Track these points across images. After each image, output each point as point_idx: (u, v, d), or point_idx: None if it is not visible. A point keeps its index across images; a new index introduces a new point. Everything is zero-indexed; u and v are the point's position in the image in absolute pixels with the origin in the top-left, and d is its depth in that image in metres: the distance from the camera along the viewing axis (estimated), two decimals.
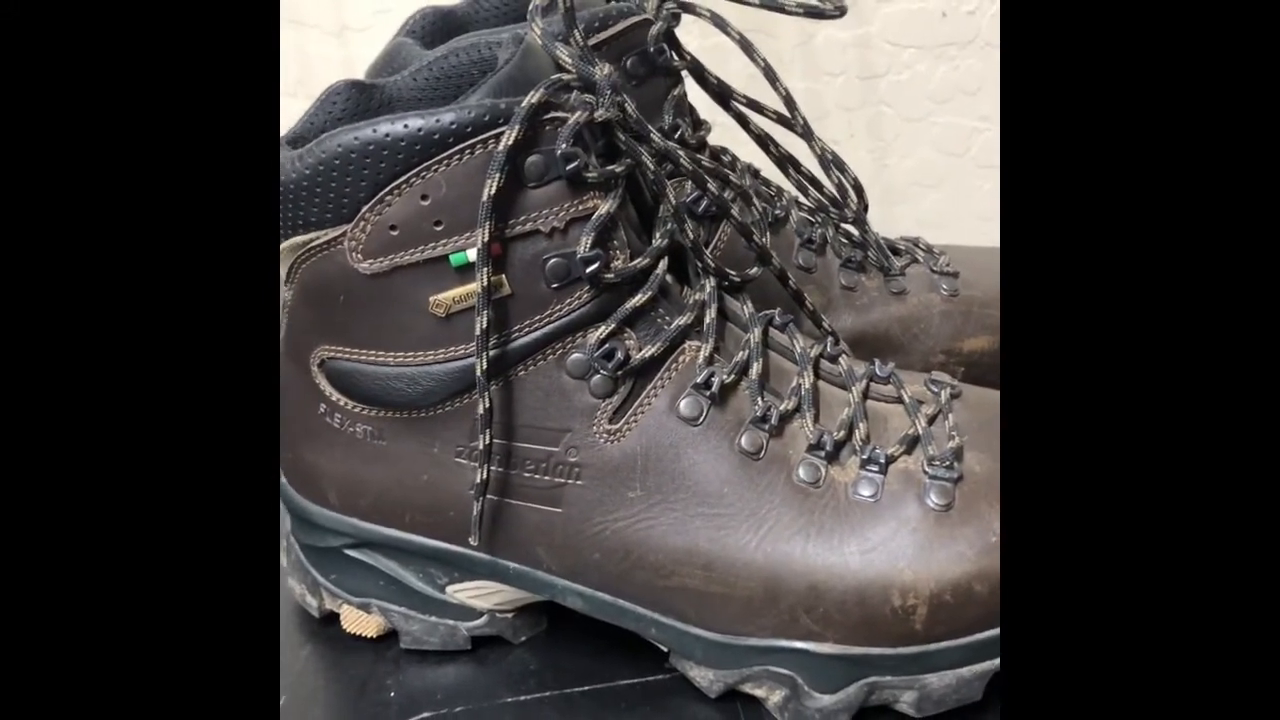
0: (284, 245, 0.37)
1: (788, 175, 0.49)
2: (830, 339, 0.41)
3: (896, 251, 0.49)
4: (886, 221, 0.51)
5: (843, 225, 0.49)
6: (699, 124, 0.47)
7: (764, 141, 0.48)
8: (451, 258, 0.35)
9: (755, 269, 0.41)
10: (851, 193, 0.46)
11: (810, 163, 0.49)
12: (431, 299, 0.36)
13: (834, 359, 0.41)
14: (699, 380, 0.38)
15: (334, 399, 0.39)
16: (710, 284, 0.39)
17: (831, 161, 0.45)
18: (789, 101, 0.46)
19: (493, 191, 0.33)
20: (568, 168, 0.34)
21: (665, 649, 0.40)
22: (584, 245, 0.35)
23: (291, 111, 0.40)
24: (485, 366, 0.35)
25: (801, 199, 0.50)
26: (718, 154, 0.47)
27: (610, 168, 0.36)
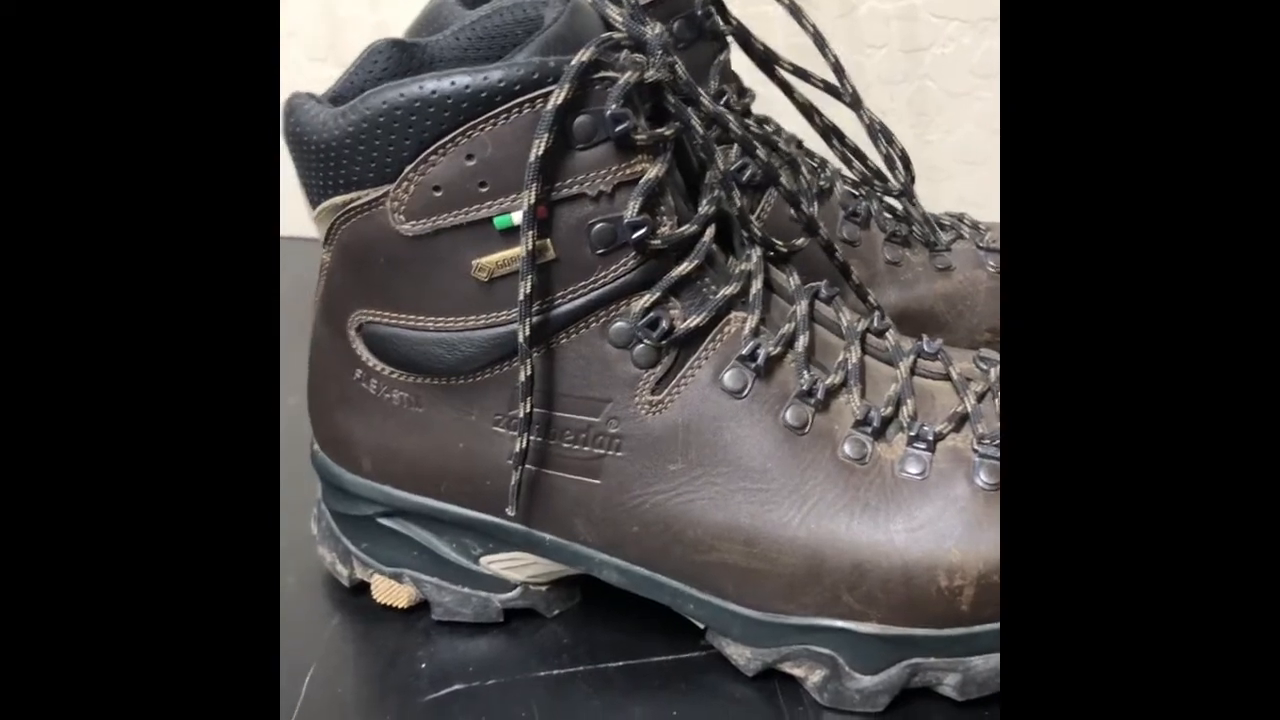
0: (323, 205, 0.36)
1: (832, 146, 0.48)
2: (877, 313, 0.40)
3: (942, 227, 0.48)
4: (928, 198, 0.50)
5: (887, 199, 0.48)
6: (743, 92, 0.46)
7: (809, 111, 0.47)
8: (496, 220, 0.34)
9: (802, 239, 0.40)
10: (899, 164, 0.45)
11: (854, 134, 0.48)
12: (474, 262, 0.35)
13: (881, 334, 0.40)
14: (744, 352, 0.37)
15: (371, 364, 0.38)
16: (756, 254, 0.38)
17: (880, 132, 0.44)
18: (838, 69, 0.45)
19: (540, 152, 0.33)
20: (617, 129, 0.33)
21: (702, 625, 0.39)
22: (631, 210, 0.34)
23: (321, 77, 0.39)
24: (528, 333, 0.35)
25: (845, 171, 0.49)
26: (762, 123, 0.46)
27: (659, 130, 0.35)
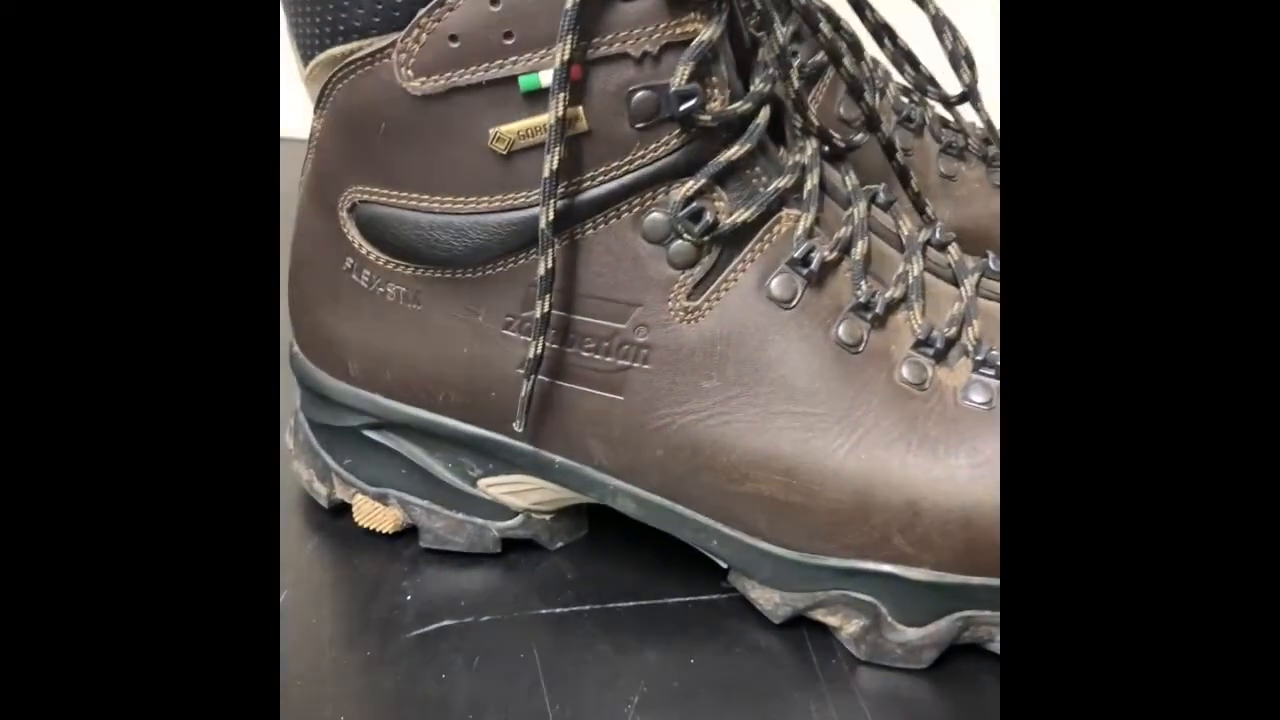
0: (318, 59, 0.31)
1: (883, 47, 0.43)
2: (938, 225, 0.36)
3: None
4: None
5: (940, 108, 0.44)
6: None
7: (860, 6, 0.42)
8: (521, 80, 0.29)
9: (861, 135, 0.35)
10: (964, 65, 0.40)
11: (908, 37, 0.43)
12: (492, 131, 0.30)
13: (942, 247, 0.36)
14: (796, 255, 0.32)
15: (364, 252, 0.34)
16: (812, 146, 0.33)
17: (946, 26, 0.39)
18: None
19: None
20: None
21: (724, 565, 0.35)
22: (679, 77, 0.29)
23: None
24: (551, 218, 0.30)
25: (897, 76, 0.44)
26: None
27: None
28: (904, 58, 0.43)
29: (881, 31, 0.43)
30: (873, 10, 0.43)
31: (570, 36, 0.28)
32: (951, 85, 0.42)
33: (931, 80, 0.43)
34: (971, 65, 0.41)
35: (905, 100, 0.43)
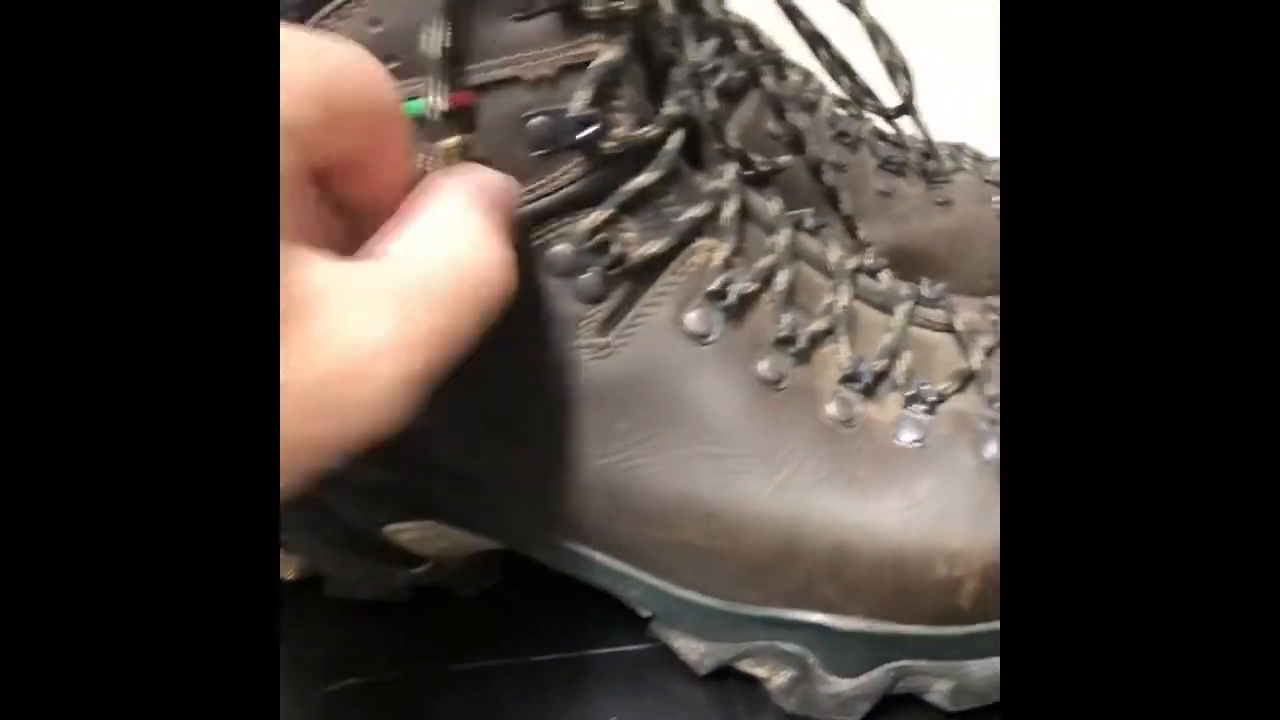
0: None
1: (818, 56, 0.41)
2: (870, 250, 0.34)
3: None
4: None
5: (877, 120, 0.42)
6: None
7: (792, 13, 0.40)
8: (407, 105, 0.27)
9: (786, 157, 0.33)
10: (901, 75, 0.38)
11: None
12: None
13: (873, 274, 0.34)
14: (712, 288, 0.30)
15: None
16: (731, 171, 0.31)
17: (880, 36, 0.38)
18: None
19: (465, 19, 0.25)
20: None
21: (646, 614, 0.33)
22: (578, 101, 0.27)
23: None
24: None
25: (832, 88, 0.42)
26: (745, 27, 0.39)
27: (616, 3, 0.27)
28: (839, 67, 0.42)
29: (815, 40, 0.41)
30: (805, 18, 0.41)
31: (443, 83, 0.26)
32: (892, 100, 0.40)
33: (869, 91, 0.41)
34: (908, 75, 0.39)
35: (841, 113, 0.41)
